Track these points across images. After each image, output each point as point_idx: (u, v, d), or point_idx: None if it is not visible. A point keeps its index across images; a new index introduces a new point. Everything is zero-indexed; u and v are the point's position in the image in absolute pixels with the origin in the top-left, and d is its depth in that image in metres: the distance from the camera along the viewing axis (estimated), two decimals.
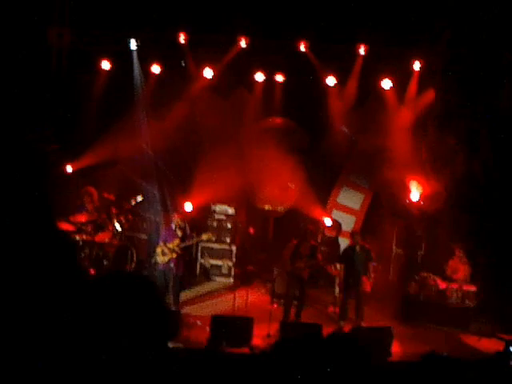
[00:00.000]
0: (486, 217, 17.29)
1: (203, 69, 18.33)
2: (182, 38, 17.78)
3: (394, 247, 19.55)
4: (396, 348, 13.99)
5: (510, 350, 9.88)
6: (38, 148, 16.36)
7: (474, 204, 17.20)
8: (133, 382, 3.11)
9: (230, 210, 19.45)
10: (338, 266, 16.88)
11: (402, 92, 18.36)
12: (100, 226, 16.84)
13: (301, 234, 16.33)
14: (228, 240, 19.25)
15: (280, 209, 20.03)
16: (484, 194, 17.35)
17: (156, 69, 18.43)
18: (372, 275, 15.88)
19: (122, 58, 18.14)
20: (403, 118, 18.28)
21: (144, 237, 18.44)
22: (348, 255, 16.06)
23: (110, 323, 3.12)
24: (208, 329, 13.46)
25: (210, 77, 18.41)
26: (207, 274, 19.20)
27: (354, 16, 16.53)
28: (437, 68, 17.72)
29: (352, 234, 16.58)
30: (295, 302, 15.80)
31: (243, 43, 17.81)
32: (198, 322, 14.72)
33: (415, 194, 18.05)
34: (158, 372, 3.21)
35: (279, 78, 18.88)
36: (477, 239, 17.19)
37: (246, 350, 13.16)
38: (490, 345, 14.81)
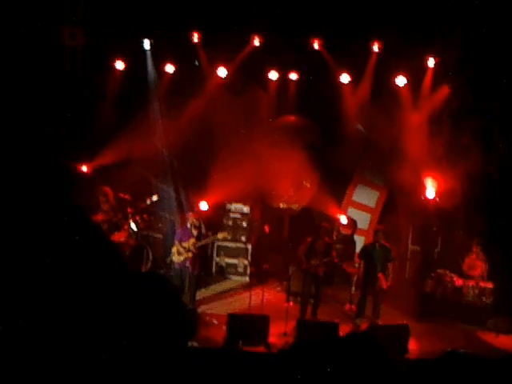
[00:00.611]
0: (501, 214, 17.23)
1: (217, 68, 18.34)
2: (195, 37, 17.80)
3: (409, 244, 19.52)
4: (413, 345, 14.00)
5: None
6: (54, 148, 16.41)
7: (490, 201, 17.14)
8: (152, 380, 3.12)
9: (245, 209, 19.47)
10: (356, 264, 16.88)
11: (417, 89, 18.29)
12: (116, 225, 16.86)
13: (315, 232, 16.29)
14: (243, 239, 19.27)
15: (295, 207, 20.02)
16: (499, 191, 17.28)
17: (170, 68, 18.45)
18: (390, 274, 15.83)
19: (136, 57, 18.17)
20: (418, 114, 18.22)
21: (160, 236, 18.48)
22: (368, 252, 16.04)
23: (129, 322, 3.13)
24: (224, 327, 13.46)
25: (224, 76, 18.41)
26: (223, 272, 19.24)
27: (367, 13, 16.45)
28: (451, 65, 17.64)
29: (375, 232, 16.53)
30: (311, 300, 15.80)
31: (257, 41, 17.80)
32: (214, 321, 14.75)
33: (431, 190, 17.99)
34: (177, 370, 3.22)
35: (293, 76, 18.86)
36: (493, 236, 17.12)
37: (262, 348, 13.17)
38: (507, 341, 14.78)
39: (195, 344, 12.01)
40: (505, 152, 17.13)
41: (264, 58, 18.26)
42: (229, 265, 19.22)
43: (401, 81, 18.11)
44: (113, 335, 3.11)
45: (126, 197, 17.51)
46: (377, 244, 15.89)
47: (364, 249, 16.59)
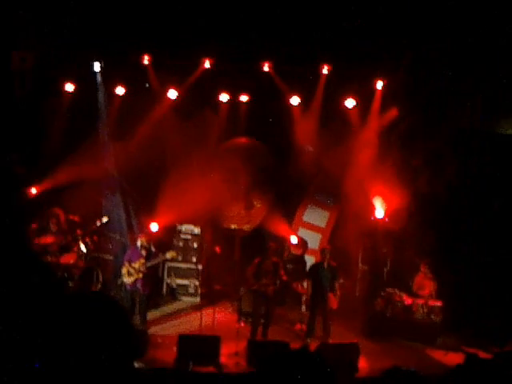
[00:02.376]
0: (449, 234, 17.50)
1: (167, 90, 18.39)
2: (145, 60, 17.85)
3: (360, 264, 19.67)
4: (363, 364, 14.08)
5: (471, 362, 9.94)
6: (4, 171, 16.31)
7: (438, 222, 17.39)
8: None
9: (196, 230, 19.47)
10: (304, 284, 16.95)
11: (366, 111, 18.54)
12: (65, 247, 16.74)
13: (263, 252, 16.37)
14: (194, 259, 19.25)
15: (246, 228, 20.09)
16: (447, 212, 17.54)
17: (120, 90, 18.45)
18: (338, 293, 15.94)
19: (85, 80, 18.12)
20: (367, 136, 18.44)
21: (110, 257, 18.38)
22: (315, 272, 16.12)
23: (74, 343, 3.15)
24: (175, 348, 13.44)
25: (175, 98, 18.47)
26: (174, 293, 19.18)
27: (316, 36, 16.65)
28: (399, 87, 17.91)
29: (322, 251, 16.60)
30: (262, 320, 15.82)
31: (207, 64, 17.91)
32: (159, 340, 14.72)
33: (380, 211, 18.20)
34: None
35: (244, 98, 19.00)
36: (441, 256, 17.35)
37: (212, 368, 13.17)
38: (456, 359, 14.91)
39: (143, 365, 12.01)
40: (453, 173, 17.40)
41: (214, 81, 18.37)
42: (179, 286, 19.17)
43: (350, 103, 18.35)
44: (55, 356, 3.13)
45: (76, 219, 17.42)
46: (324, 263, 16.00)
47: (311, 268, 16.67)
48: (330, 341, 15.40)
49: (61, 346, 3.15)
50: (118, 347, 3.23)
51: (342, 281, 16.50)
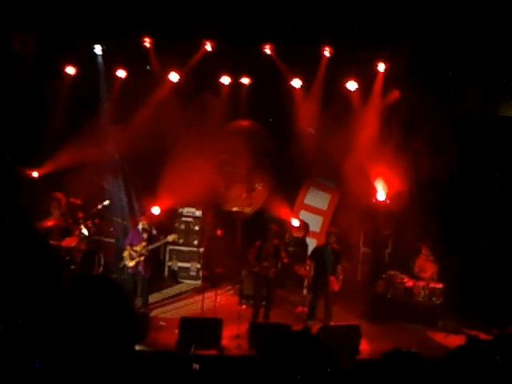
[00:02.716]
0: (451, 217, 17.50)
1: (169, 73, 18.36)
2: (147, 43, 17.80)
3: (361, 247, 19.71)
4: (364, 346, 14.12)
5: (472, 344, 9.95)
6: (5, 154, 16.32)
7: (439, 204, 17.39)
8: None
9: (198, 213, 19.50)
10: (306, 266, 16.97)
11: (368, 93, 18.51)
12: (67, 230, 16.72)
13: (264, 235, 16.38)
14: (196, 242, 19.29)
15: (248, 210, 20.11)
16: (449, 194, 17.55)
17: (121, 73, 18.43)
18: (340, 276, 15.97)
19: (87, 62, 18.08)
20: (369, 119, 18.41)
21: (111, 241, 18.40)
22: (319, 254, 16.15)
23: (76, 326, 3.16)
24: (177, 331, 13.47)
25: (176, 80, 18.44)
26: (175, 276, 19.23)
27: (318, 18, 16.58)
28: (401, 70, 17.86)
29: (328, 234, 16.63)
30: (263, 303, 15.87)
31: (209, 47, 17.86)
32: (162, 323, 14.74)
33: (381, 193, 18.21)
34: (124, 375, 3.25)
35: (245, 80, 18.96)
36: (442, 238, 17.36)
37: (214, 351, 13.21)
38: (457, 341, 14.95)
39: (145, 348, 12.05)
40: (454, 156, 17.38)
41: (216, 63, 18.31)
42: (181, 269, 19.22)
43: (352, 85, 18.32)
44: (58, 339, 3.14)
45: (78, 202, 17.39)
46: (329, 246, 16.03)
47: (315, 250, 16.69)
48: (332, 323, 15.44)
49: (63, 329, 3.16)
50: (119, 330, 3.23)
51: (344, 264, 16.52)
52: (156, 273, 17.55)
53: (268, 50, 17.84)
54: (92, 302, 3.22)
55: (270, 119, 19.19)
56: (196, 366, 10.38)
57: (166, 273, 19.31)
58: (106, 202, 17.42)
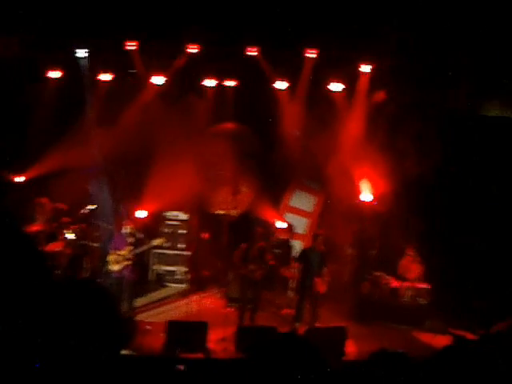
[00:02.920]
0: (436, 217, 17.56)
1: (153, 76, 18.32)
2: (131, 46, 17.76)
3: (347, 248, 19.71)
4: (351, 347, 14.14)
5: (459, 344, 9.98)
6: None
7: (425, 204, 17.45)
8: None
9: (184, 216, 19.47)
10: (292, 268, 16.97)
11: (353, 94, 18.55)
12: (52, 235, 16.66)
13: (250, 237, 16.38)
14: (181, 246, 19.25)
15: (233, 213, 20.08)
16: (434, 194, 17.61)
17: (106, 76, 18.37)
18: (326, 278, 15.97)
19: (71, 66, 18.01)
20: (354, 120, 18.46)
21: (97, 245, 18.26)
22: (306, 256, 16.16)
23: (62, 330, 3.14)
24: (163, 335, 13.44)
25: (161, 83, 18.41)
26: (161, 280, 19.18)
27: (302, 20, 16.61)
28: (386, 70, 17.92)
29: (315, 236, 16.65)
30: (250, 306, 15.86)
31: (193, 49, 17.84)
32: (147, 327, 14.70)
33: (367, 194, 18.24)
34: (111, 379, 3.23)
35: (230, 83, 18.96)
36: (428, 239, 17.42)
37: (201, 354, 13.19)
38: (443, 341, 15.01)
39: (131, 352, 12.01)
40: (439, 156, 17.45)
41: (201, 66, 18.31)
42: (167, 272, 19.19)
43: (336, 87, 18.34)
44: (46, 343, 3.12)
45: (63, 206, 17.33)
46: (315, 248, 16.05)
47: (303, 252, 16.68)
48: (318, 325, 15.44)
49: (49, 333, 3.14)
50: (105, 334, 3.22)
51: (330, 265, 16.52)
52: (142, 277, 17.50)
53: (253, 52, 17.82)
54: (78, 306, 3.21)
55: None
56: (181, 367, 10.37)
57: (151, 277, 19.25)
58: (92, 207, 17.37)
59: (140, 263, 16.67)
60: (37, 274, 3.51)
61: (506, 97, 18.56)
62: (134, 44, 17.76)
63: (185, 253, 19.15)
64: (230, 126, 19.97)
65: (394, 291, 17.13)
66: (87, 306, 3.26)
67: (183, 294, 17.55)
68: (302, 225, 20.11)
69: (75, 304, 3.25)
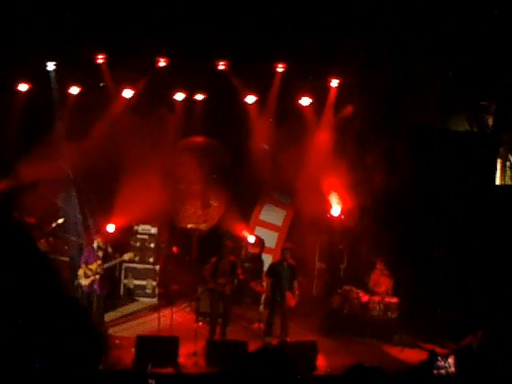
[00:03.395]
0: (404, 231, 17.66)
1: (122, 89, 18.26)
2: (100, 59, 17.69)
3: (316, 262, 19.77)
4: (321, 361, 14.17)
5: (434, 358, 10.06)
6: None
7: (393, 218, 17.54)
8: None
9: (153, 230, 19.40)
10: (264, 283, 16.95)
11: (321, 109, 18.62)
12: None
13: (220, 251, 16.35)
14: (151, 260, 19.17)
15: (203, 227, 20.03)
16: (402, 208, 17.71)
17: (75, 90, 18.28)
18: (297, 291, 15.97)
19: (40, 79, 17.90)
20: (323, 134, 18.52)
21: (66, 259, 18.14)
22: (275, 270, 16.14)
23: (37, 344, 3.11)
24: (133, 349, 13.36)
25: (130, 97, 18.35)
26: (131, 294, 19.08)
27: (271, 34, 16.68)
28: (354, 84, 18.03)
29: (283, 250, 16.66)
30: (220, 320, 15.81)
31: (162, 63, 17.81)
32: (117, 341, 14.59)
33: (336, 208, 18.29)
34: None
35: (199, 96, 18.96)
36: (397, 253, 17.51)
37: (171, 369, 13.13)
38: (412, 355, 15.10)
39: (100, 367, 11.89)
40: (407, 170, 17.57)
41: (170, 80, 18.30)
42: (137, 286, 19.07)
43: (305, 101, 18.41)
44: (20, 359, 3.09)
45: (31, 220, 17.18)
46: (284, 262, 16.03)
47: (271, 267, 16.67)
48: (288, 339, 15.43)
49: (23, 348, 3.11)
50: (82, 348, 3.20)
51: (300, 279, 16.53)
52: (111, 291, 17.38)
53: (222, 66, 17.84)
54: (54, 320, 3.18)
55: (223, 134, 19.14)
56: (152, 382, 10.29)
57: (121, 291, 19.13)
58: (60, 220, 17.27)
59: (110, 277, 16.55)
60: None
61: (473, 112, 18.77)
62: (103, 57, 17.69)
63: (154, 267, 19.05)
64: (199, 139, 19.95)
65: (364, 305, 17.16)
66: (61, 319, 3.23)
67: (153, 309, 17.42)
68: (271, 239, 20.11)
69: (52, 318, 3.22)
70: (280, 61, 17.86)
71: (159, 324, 15.32)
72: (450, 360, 11.37)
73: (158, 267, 19.10)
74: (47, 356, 3.12)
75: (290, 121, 18.88)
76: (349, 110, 18.54)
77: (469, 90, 17.68)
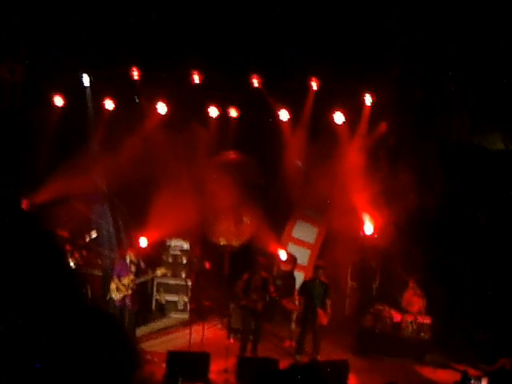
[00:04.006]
0: (438, 250, 17.50)
1: (157, 104, 18.34)
2: (135, 74, 17.81)
3: (349, 280, 19.63)
4: (352, 381, 14.07)
5: (466, 379, 9.96)
6: None
7: (427, 237, 17.39)
8: None
9: (185, 245, 19.40)
10: (296, 301, 16.86)
11: (355, 126, 18.56)
12: None
13: (252, 267, 16.30)
14: (183, 275, 19.15)
15: (235, 243, 20.00)
16: (436, 227, 17.55)
17: (109, 104, 18.40)
18: (329, 310, 15.87)
19: (75, 93, 18.06)
20: (356, 151, 18.46)
21: (99, 273, 18.20)
22: (308, 288, 16.09)
23: (75, 359, 3.08)
24: (164, 365, 13.33)
25: (164, 112, 18.43)
26: (163, 309, 19.07)
27: (305, 51, 16.70)
28: (388, 102, 17.96)
29: (315, 268, 16.61)
30: (251, 337, 15.74)
31: (196, 78, 17.88)
32: (149, 356, 14.56)
33: (369, 226, 18.18)
34: None
35: (233, 112, 18.99)
36: (430, 272, 17.35)
37: None
38: (445, 376, 14.94)
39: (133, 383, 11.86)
40: (441, 188, 17.43)
41: (204, 95, 18.37)
42: (169, 302, 19.07)
43: (339, 118, 18.36)
44: (58, 373, 3.05)
45: (65, 234, 17.26)
46: (317, 280, 15.97)
47: (304, 284, 16.62)
48: (320, 358, 15.33)
49: (61, 362, 3.07)
50: (117, 361, 3.16)
51: (334, 299, 16.44)
52: (143, 306, 17.40)
53: (256, 82, 17.87)
54: (88, 334, 3.14)
55: (256, 150, 19.14)
56: None
57: (153, 306, 19.13)
58: (94, 234, 17.32)
59: (142, 292, 16.58)
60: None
61: (509, 130, 18.59)
62: (137, 73, 17.80)
63: (186, 282, 19.03)
64: (232, 155, 19.96)
65: (396, 325, 17.01)
66: (97, 334, 3.19)
67: (184, 324, 17.40)
68: (304, 256, 20.01)
69: (84, 332, 3.17)
70: (314, 76, 17.84)
71: (190, 340, 15.28)
72: (483, 382, 11.28)
73: (190, 283, 19.07)
74: (81, 370, 3.07)
75: (323, 137, 18.81)
76: (382, 127, 18.46)
77: (504, 107, 17.52)
